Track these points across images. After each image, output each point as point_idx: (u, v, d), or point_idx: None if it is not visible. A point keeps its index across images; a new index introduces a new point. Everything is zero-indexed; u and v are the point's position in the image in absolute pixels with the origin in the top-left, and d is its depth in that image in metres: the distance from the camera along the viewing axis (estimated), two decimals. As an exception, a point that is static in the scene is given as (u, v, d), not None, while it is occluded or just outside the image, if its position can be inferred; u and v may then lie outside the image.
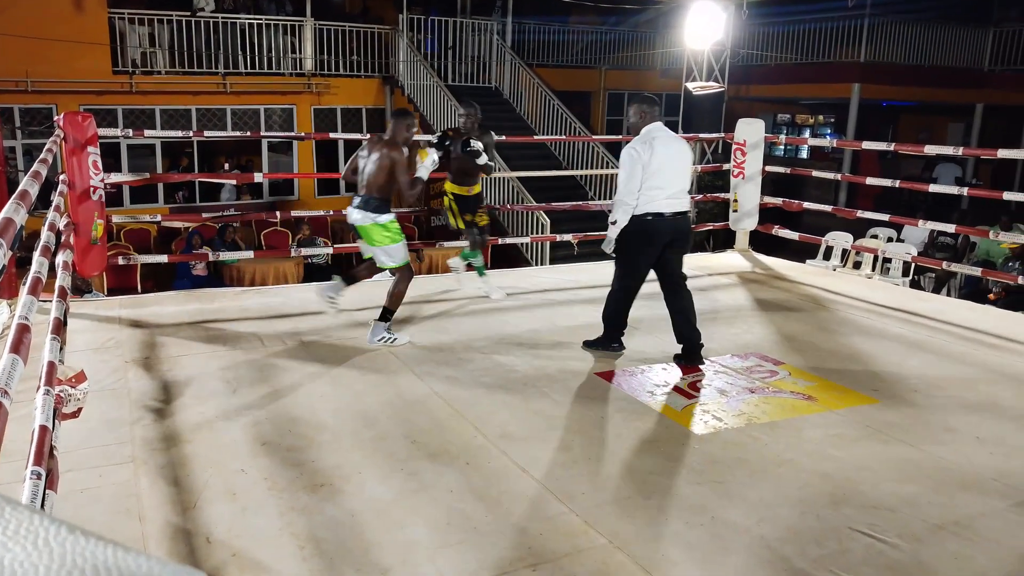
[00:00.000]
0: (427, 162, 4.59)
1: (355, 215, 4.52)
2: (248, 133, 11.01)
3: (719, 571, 2.38)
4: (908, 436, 3.38)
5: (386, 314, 4.54)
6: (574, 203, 8.16)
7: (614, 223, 4.18)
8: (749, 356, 4.41)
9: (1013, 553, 2.51)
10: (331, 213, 9.83)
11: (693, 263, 6.50)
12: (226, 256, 6.97)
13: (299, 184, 14.03)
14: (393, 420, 3.41)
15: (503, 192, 11.69)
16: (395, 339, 4.50)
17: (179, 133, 9.41)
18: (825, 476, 2.99)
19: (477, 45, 14.61)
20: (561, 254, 10.07)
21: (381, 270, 4.74)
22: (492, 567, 2.35)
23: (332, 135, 11.22)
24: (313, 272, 9.82)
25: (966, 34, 15.76)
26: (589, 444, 3.24)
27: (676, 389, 3.88)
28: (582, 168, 12.86)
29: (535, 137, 13.30)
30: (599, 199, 12.21)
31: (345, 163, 15.34)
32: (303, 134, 12.33)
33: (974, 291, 8.43)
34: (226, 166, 13.64)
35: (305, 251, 7.83)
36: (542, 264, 10.00)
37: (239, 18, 12.85)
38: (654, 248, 4.18)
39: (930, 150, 6.92)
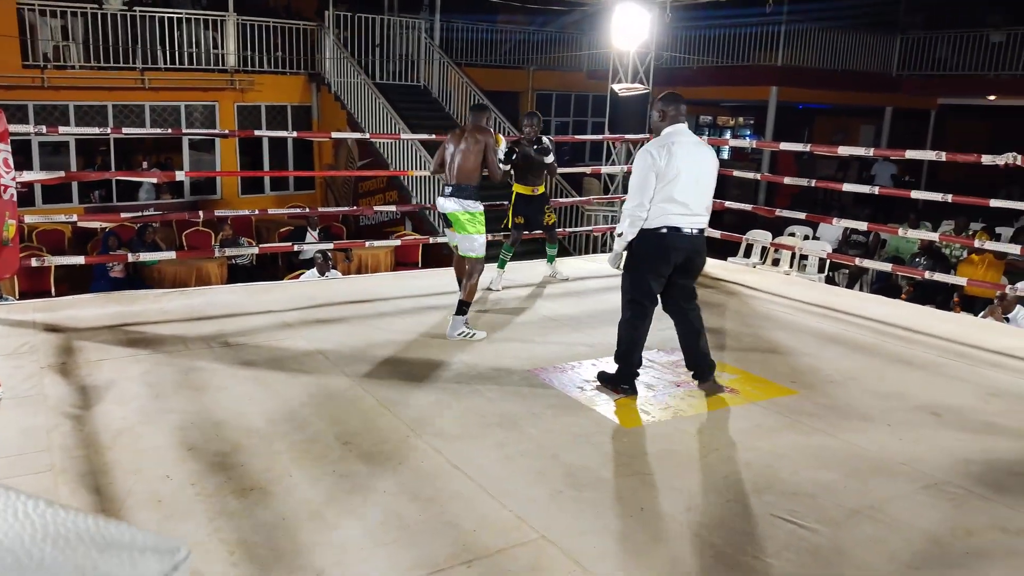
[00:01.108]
0: (503, 145, 5.17)
1: (449, 204, 4.77)
2: (169, 130, 10.68)
3: (649, 560, 2.45)
4: (825, 425, 3.53)
5: (463, 307, 4.69)
6: (504, 202, 8.21)
7: (620, 235, 3.73)
8: (674, 351, 4.52)
9: (922, 534, 2.65)
10: (256, 212, 9.64)
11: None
12: (146, 257, 6.75)
13: (222, 183, 13.69)
14: (324, 421, 3.38)
15: (434, 191, 11.66)
16: (473, 334, 4.64)
17: (96, 130, 9.05)
18: (748, 465, 3.11)
19: (405, 43, 14.52)
20: (491, 253, 10.07)
21: (471, 276, 4.79)
22: (427, 565, 2.36)
23: (257, 132, 10.99)
24: (237, 273, 9.59)
25: (875, 40, 16.48)
26: (521, 440, 3.27)
27: (606, 385, 3.95)
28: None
29: (464, 136, 13.26)
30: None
31: (270, 161, 15.00)
32: (227, 131, 12.05)
33: (885, 286, 8.83)
34: (144, 164, 13.20)
35: (230, 251, 7.65)
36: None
37: (158, 12, 12.45)
38: (667, 267, 3.69)
39: (843, 151, 7.22)
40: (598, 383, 3.92)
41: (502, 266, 6.04)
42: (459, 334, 4.62)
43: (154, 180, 12.25)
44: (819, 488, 2.93)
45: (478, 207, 4.78)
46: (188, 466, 2.92)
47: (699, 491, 2.89)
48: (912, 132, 17.08)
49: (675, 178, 3.57)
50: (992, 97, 16.19)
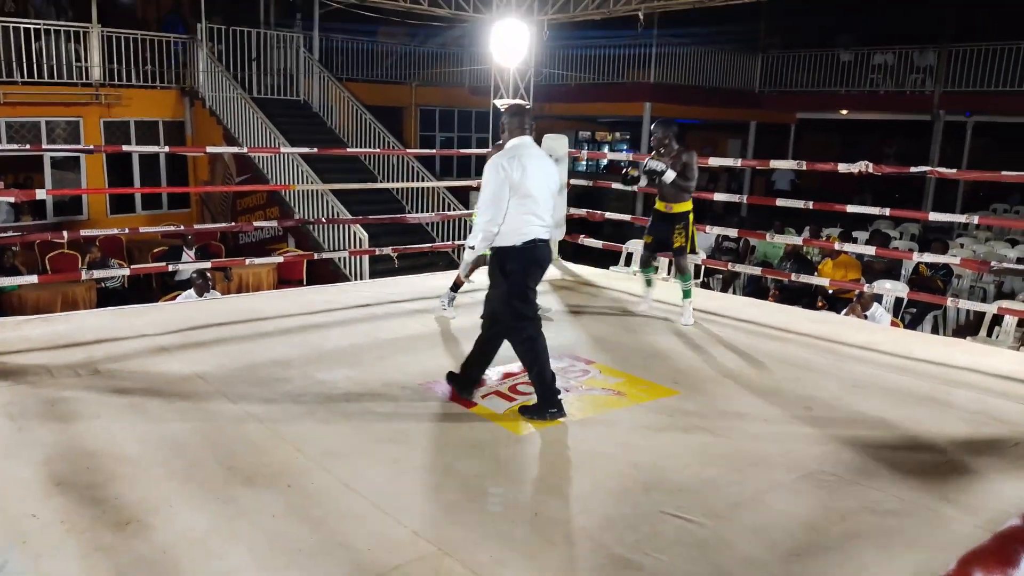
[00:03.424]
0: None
1: None
2: (28, 147, 9.99)
3: (544, 564, 2.48)
4: (706, 423, 3.68)
5: (455, 285, 5.53)
6: (392, 216, 8.14)
7: (471, 248, 3.78)
8: (563, 357, 4.61)
9: (799, 522, 2.80)
10: (126, 231, 9.15)
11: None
12: (5, 283, 6.27)
13: (89, 202, 12.92)
14: (205, 446, 3.23)
15: (317, 207, 11.43)
16: (446, 310, 5.48)
17: (-58, 147, 8.38)
18: (636, 465, 3.19)
19: (283, 57, 14.21)
20: (380, 268, 10.00)
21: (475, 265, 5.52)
22: (320, 587, 2.30)
23: (125, 148, 10.43)
24: (108, 297, 9.06)
25: (739, 60, 17.45)
26: (414, 454, 3.25)
27: (497, 393, 3.97)
28: (397, 182, 12.86)
29: (349, 150, 13.13)
30: (416, 212, 12.25)
31: (141, 179, 14.29)
32: (92, 147, 11.40)
33: (756, 289, 9.31)
34: (0, 184, 12.28)
35: (98, 274, 7.21)
36: (361, 279, 9.87)
37: (14, 22, 11.65)
38: (542, 272, 3.80)
39: (713, 162, 7.57)
40: (524, 417, 3.63)
41: (648, 284, 5.82)
42: (440, 303, 5.53)
43: (11, 199, 11.40)
44: (703, 483, 3.05)
45: None
46: (57, 501, 2.73)
47: (590, 493, 2.94)
48: (774, 145, 18.14)
49: (530, 191, 3.60)
50: (844, 112, 17.43)
